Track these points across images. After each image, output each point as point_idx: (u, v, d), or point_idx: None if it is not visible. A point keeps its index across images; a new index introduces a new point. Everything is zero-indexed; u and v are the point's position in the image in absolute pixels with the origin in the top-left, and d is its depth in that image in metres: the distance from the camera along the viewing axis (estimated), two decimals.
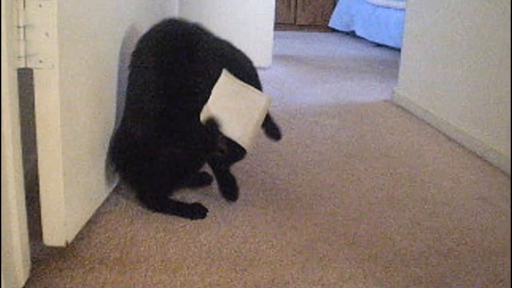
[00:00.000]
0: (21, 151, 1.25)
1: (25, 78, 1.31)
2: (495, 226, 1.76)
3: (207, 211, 1.72)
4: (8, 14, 1.17)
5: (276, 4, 4.27)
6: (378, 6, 5.78)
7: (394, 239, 1.64)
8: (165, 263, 1.44)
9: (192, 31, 1.72)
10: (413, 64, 3.25)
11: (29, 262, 1.33)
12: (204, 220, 1.68)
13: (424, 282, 1.42)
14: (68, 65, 1.35)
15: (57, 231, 1.40)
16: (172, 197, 1.75)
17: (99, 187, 1.67)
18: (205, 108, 1.57)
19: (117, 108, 1.80)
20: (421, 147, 2.54)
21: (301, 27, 7.04)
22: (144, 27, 1.83)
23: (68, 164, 1.39)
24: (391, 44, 5.40)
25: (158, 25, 1.70)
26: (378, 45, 5.90)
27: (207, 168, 1.85)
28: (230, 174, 1.78)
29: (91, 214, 1.62)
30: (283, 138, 2.48)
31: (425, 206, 1.88)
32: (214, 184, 1.87)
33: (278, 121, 2.80)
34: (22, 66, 1.25)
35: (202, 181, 1.92)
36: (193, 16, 4.07)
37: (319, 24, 7.08)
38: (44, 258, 1.43)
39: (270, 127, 1.76)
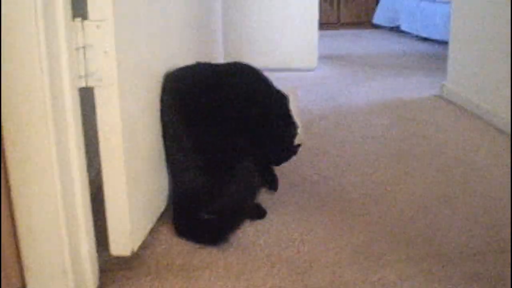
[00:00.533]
0: (86, 166, 1.31)
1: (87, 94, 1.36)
2: None
3: (266, 212, 1.75)
4: (68, 35, 1.22)
5: (319, 4, 4.27)
6: (422, 0, 5.74)
7: (451, 236, 1.65)
8: (227, 269, 1.48)
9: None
10: (462, 57, 3.23)
11: (98, 271, 1.40)
12: (262, 224, 1.71)
13: (482, 278, 1.43)
14: (126, 82, 1.40)
15: (123, 240, 1.46)
16: None
17: (158, 197, 1.73)
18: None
19: None
20: (474, 142, 2.52)
21: (345, 26, 7.03)
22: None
23: (130, 176, 1.44)
24: (437, 37, 5.34)
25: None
26: (424, 39, 5.84)
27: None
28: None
29: (153, 223, 1.68)
30: (335, 139, 2.51)
31: (480, 202, 1.88)
32: (269, 193, 1.90)
33: (327, 122, 2.83)
34: (83, 85, 1.31)
35: (259, 214, 1.79)
36: (237, 22, 4.12)
37: (363, 21, 7.05)
38: (111, 267, 1.48)
39: (268, 177, 1.83)
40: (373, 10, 6.90)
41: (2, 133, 1.15)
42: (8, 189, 1.19)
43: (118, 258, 1.50)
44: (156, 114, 1.69)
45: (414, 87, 3.68)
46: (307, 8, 4.20)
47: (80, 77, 1.29)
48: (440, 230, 1.69)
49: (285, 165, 1.83)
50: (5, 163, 1.17)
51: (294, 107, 1.72)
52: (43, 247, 1.22)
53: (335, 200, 1.89)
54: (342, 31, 6.75)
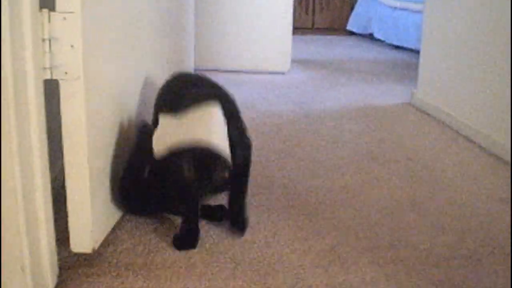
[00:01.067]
0: (48, 160, 1.28)
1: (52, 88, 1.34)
2: None
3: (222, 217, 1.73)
4: (34, 27, 1.20)
5: (293, 9, 4.28)
6: (395, 8, 5.77)
7: (416, 242, 1.65)
8: (189, 269, 1.47)
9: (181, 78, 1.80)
10: (432, 66, 3.25)
11: (57, 268, 1.37)
12: (226, 226, 1.70)
13: (446, 285, 1.43)
14: (92, 77, 1.38)
15: (84, 238, 1.43)
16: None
17: None
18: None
19: (137, 119, 1.83)
20: (442, 150, 2.54)
21: (319, 31, 7.04)
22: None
23: (93, 172, 1.42)
24: (409, 46, 5.38)
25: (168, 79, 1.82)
26: (396, 47, 5.89)
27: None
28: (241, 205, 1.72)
29: (116, 221, 1.66)
30: (305, 143, 2.51)
31: (447, 209, 1.88)
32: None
33: (296, 126, 2.83)
34: (48, 77, 1.28)
35: (214, 215, 1.74)
36: (210, 23, 4.11)
37: (337, 27, 7.08)
38: (71, 265, 1.46)
39: (236, 217, 1.69)
40: (347, 17, 6.93)
41: None
42: None
43: (78, 255, 1.48)
44: (122, 111, 1.67)
45: (385, 94, 3.70)
46: (281, 12, 4.20)
47: (44, 69, 1.27)
48: (406, 235, 1.69)
49: (253, 167, 1.80)
50: None
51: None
52: (1, 242, 1.19)
53: (302, 204, 1.89)
54: (316, 37, 6.77)
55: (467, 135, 2.73)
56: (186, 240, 1.59)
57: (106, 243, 1.56)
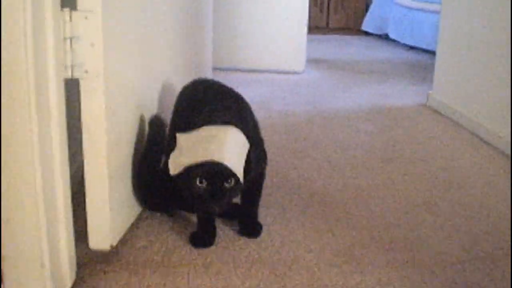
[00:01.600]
0: (67, 157, 1.29)
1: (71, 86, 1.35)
2: None
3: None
4: (56, 26, 1.21)
5: (309, 8, 4.27)
6: (411, 8, 5.75)
7: (431, 243, 1.65)
8: (206, 267, 1.48)
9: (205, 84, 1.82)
10: (449, 67, 3.24)
11: (75, 265, 1.38)
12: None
13: (461, 286, 1.43)
14: (112, 74, 1.39)
15: (102, 235, 1.45)
16: None
17: None
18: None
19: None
20: (457, 151, 2.54)
21: (333, 31, 7.03)
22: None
23: (112, 170, 1.43)
24: (425, 47, 5.36)
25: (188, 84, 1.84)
26: (412, 48, 5.87)
27: None
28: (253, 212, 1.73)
29: (133, 219, 1.67)
30: (320, 143, 2.51)
31: (462, 211, 1.88)
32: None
33: (312, 126, 2.83)
34: (69, 76, 1.30)
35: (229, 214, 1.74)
36: (226, 23, 4.12)
37: (352, 27, 7.06)
38: (89, 261, 1.47)
39: (248, 223, 1.71)
40: (362, 17, 6.91)
41: None
42: None
43: (96, 252, 1.49)
44: (140, 110, 1.68)
45: (400, 95, 3.69)
46: (297, 11, 4.20)
47: (66, 67, 1.28)
48: (421, 237, 1.69)
49: (268, 167, 1.80)
50: None
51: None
52: (22, 238, 1.20)
53: (318, 204, 1.89)
54: (330, 36, 6.76)
55: (483, 136, 2.72)
56: (202, 238, 1.60)
57: (123, 240, 1.58)
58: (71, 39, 1.29)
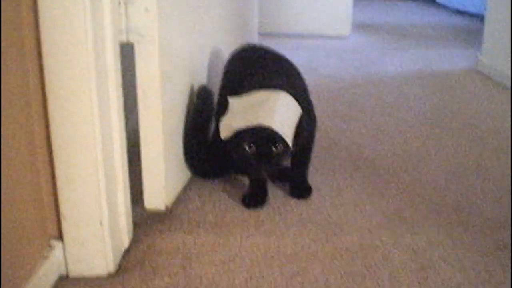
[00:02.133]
0: (124, 119, 1.32)
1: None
2: None
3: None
4: None
5: None
6: None
7: (481, 206, 1.65)
8: (258, 227, 1.51)
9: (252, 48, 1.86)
10: (498, 30, 3.18)
11: (132, 224, 1.43)
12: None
13: (510, 248, 1.43)
14: (165, 39, 1.41)
15: (158, 196, 1.49)
16: None
17: None
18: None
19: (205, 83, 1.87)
20: (507, 115, 2.50)
21: None
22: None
23: (167, 132, 1.47)
24: (472, 10, 5.27)
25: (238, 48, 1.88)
26: (459, 11, 5.76)
27: None
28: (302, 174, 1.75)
29: (186, 182, 1.70)
30: (368, 107, 2.51)
31: None
32: None
33: (358, 90, 2.82)
34: (124, 39, 1.32)
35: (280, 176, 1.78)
36: None
37: None
38: (144, 221, 1.51)
39: (298, 185, 1.73)
40: None
41: (44, 82, 1.17)
42: (49, 140, 1.21)
43: (151, 212, 1.53)
44: (191, 75, 1.71)
45: (448, 59, 3.65)
46: None
47: (120, 31, 1.31)
48: (471, 199, 1.69)
49: (316, 131, 1.81)
50: (46, 113, 1.19)
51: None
52: (81, 198, 1.24)
53: (367, 167, 1.90)
54: (376, 1, 6.67)
55: None
56: (254, 199, 1.63)
57: (177, 202, 1.61)
58: (126, 3, 1.31)
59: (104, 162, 1.24)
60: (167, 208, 1.51)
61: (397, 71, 3.30)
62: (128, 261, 1.35)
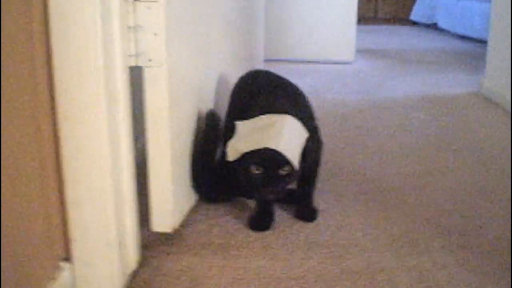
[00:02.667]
0: (133, 144, 1.34)
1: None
2: None
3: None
4: (121, 15, 1.26)
5: None
6: None
7: (487, 229, 1.66)
8: (265, 249, 1.51)
9: (258, 73, 1.89)
10: (501, 54, 3.20)
11: (140, 246, 1.43)
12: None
13: None
14: (174, 64, 1.43)
15: (165, 218, 1.50)
16: None
17: None
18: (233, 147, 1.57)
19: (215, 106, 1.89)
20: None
21: (382, 21, 7.01)
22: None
23: (174, 155, 1.48)
24: (475, 35, 5.31)
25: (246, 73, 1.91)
26: (462, 37, 5.81)
27: None
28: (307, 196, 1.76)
29: (193, 203, 1.72)
30: (373, 132, 2.53)
31: None
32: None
33: (364, 115, 2.84)
34: (133, 64, 1.35)
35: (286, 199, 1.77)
36: (276, 14, 4.15)
37: (400, 17, 7.02)
38: (152, 243, 1.52)
39: (304, 208, 1.74)
40: (411, 6, 6.87)
41: (55, 106, 1.19)
42: (58, 162, 1.23)
43: (158, 234, 1.54)
44: (198, 99, 1.73)
45: (452, 84, 3.67)
46: (346, 1, 4.21)
47: (130, 56, 1.33)
48: (477, 222, 1.69)
49: (323, 154, 1.83)
50: (57, 136, 1.21)
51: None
52: (90, 219, 1.26)
53: (372, 190, 1.91)
54: (379, 27, 6.73)
55: None
56: (261, 222, 1.64)
57: (184, 224, 1.62)
58: (134, 28, 1.34)
59: (113, 184, 1.25)
60: (174, 230, 1.52)
61: (401, 95, 3.32)
62: (135, 283, 1.36)
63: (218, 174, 1.74)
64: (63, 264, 1.27)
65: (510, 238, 1.59)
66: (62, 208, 1.26)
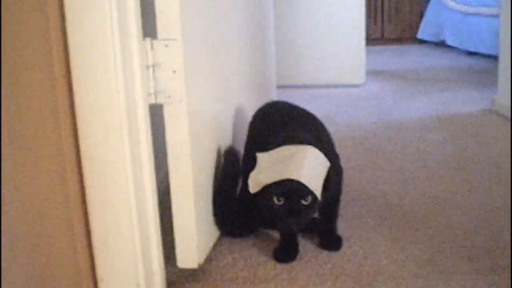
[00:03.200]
0: (155, 180, 1.34)
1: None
2: None
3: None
4: (140, 54, 1.27)
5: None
6: (467, 14, 5.70)
7: None
8: (292, 281, 1.50)
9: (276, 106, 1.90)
10: None
11: (165, 283, 1.43)
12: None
13: None
14: (193, 100, 1.44)
15: (190, 253, 1.49)
16: None
17: None
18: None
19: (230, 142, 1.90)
20: None
21: (389, 41, 7.01)
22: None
23: (197, 191, 1.48)
24: (484, 51, 5.30)
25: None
26: (470, 53, 5.80)
27: None
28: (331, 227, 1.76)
29: (216, 238, 1.71)
30: (390, 155, 2.52)
31: None
32: None
33: (379, 138, 2.84)
34: (153, 102, 1.35)
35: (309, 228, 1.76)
36: (284, 40, 4.17)
37: (407, 36, 7.02)
38: (177, 280, 1.52)
39: (328, 237, 1.74)
40: (417, 25, 6.87)
41: (79, 147, 1.20)
42: (84, 203, 1.23)
43: (183, 270, 1.54)
44: (217, 134, 1.73)
45: (465, 102, 3.66)
46: (354, 23, 4.22)
47: (149, 94, 1.34)
48: (503, 242, 1.68)
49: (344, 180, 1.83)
50: (82, 175, 1.21)
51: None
52: (118, 260, 1.26)
53: (395, 214, 1.90)
54: (386, 47, 6.74)
55: None
56: (286, 253, 1.63)
57: (208, 259, 1.62)
58: (153, 66, 1.34)
59: (139, 224, 1.25)
60: (199, 266, 1.52)
61: (415, 116, 3.31)
62: None
63: (239, 209, 1.74)
64: None
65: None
66: (89, 248, 1.26)
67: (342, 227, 1.78)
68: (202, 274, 1.55)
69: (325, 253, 1.65)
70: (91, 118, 1.19)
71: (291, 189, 1.47)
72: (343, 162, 1.78)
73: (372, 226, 1.81)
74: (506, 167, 2.35)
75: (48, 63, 1.12)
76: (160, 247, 1.38)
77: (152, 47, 1.34)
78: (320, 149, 1.54)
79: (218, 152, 1.73)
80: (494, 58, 3.54)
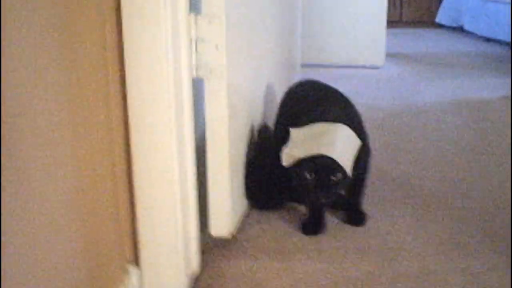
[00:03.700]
0: (195, 153, 1.40)
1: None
2: None
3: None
4: (186, 28, 1.32)
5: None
6: (487, 0, 5.70)
7: None
8: (319, 253, 1.57)
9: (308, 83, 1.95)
10: None
11: (201, 251, 1.49)
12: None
13: None
14: (232, 76, 1.49)
15: (223, 223, 1.55)
16: None
17: None
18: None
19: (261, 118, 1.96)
20: None
21: (407, 24, 7.01)
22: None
23: (232, 163, 1.54)
24: (502, 38, 5.31)
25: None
26: (488, 39, 5.81)
27: None
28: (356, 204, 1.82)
29: (245, 209, 1.77)
30: (410, 137, 2.57)
31: None
32: None
33: (400, 120, 2.88)
34: (195, 75, 1.40)
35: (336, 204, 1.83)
36: (307, 21, 4.19)
37: (426, 20, 7.02)
38: (210, 248, 1.58)
39: (353, 213, 1.80)
40: (436, 9, 6.86)
41: (128, 119, 1.25)
42: (129, 171, 1.29)
43: (215, 240, 1.60)
44: (251, 109, 1.79)
45: (483, 87, 3.69)
46: (375, 5, 4.25)
47: (192, 67, 1.39)
48: None
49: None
50: (128, 145, 1.27)
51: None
52: (158, 226, 1.31)
53: (417, 195, 1.96)
54: (404, 30, 6.74)
55: None
56: (313, 226, 1.69)
57: (238, 229, 1.68)
58: (196, 41, 1.39)
59: (180, 192, 1.31)
60: (232, 235, 1.58)
61: (433, 100, 3.35)
62: (198, 287, 1.41)
63: (270, 182, 1.80)
64: (131, 267, 1.33)
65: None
66: (132, 214, 1.32)
67: (366, 205, 1.83)
68: (233, 243, 1.61)
69: (350, 228, 1.71)
70: (141, 88, 1.24)
71: (322, 164, 1.53)
72: None
73: (396, 206, 1.87)
74: None
75: (100, 34, 1.17)
76: (197, 216, 1.44)
77: (195, 22, 1.39)
78: (351, 128, 1.59)
79: (251, 127, 1.79)
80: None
